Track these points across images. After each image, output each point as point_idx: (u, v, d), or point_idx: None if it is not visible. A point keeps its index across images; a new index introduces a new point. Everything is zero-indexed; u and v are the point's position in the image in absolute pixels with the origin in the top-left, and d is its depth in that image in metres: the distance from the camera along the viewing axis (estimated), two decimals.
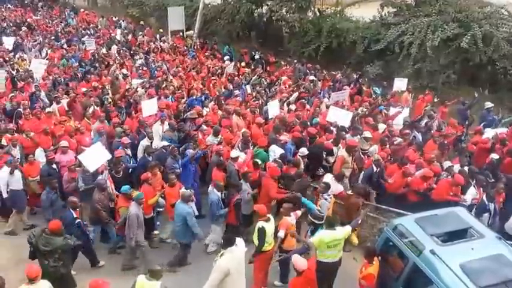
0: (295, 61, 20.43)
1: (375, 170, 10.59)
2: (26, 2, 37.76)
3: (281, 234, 8.28)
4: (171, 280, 8.22)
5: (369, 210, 9.94)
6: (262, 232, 8.19)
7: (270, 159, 11.00)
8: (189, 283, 8.80)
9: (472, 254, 6.73)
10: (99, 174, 10.00)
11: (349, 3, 23.13)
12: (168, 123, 12.24)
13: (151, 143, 11.53)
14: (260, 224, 8.27)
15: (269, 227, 8.28)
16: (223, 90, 15.98)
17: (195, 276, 8.99)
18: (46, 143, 11.48)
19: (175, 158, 10.72)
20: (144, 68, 18.58)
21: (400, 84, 15.96)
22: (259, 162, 10.61)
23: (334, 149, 11.46)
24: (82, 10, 32.19)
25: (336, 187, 10.15)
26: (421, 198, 10.11)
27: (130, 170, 10.96)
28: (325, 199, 9.36)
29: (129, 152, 11.12)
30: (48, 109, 13.27)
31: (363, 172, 10.93)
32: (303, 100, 14.72)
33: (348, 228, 8.16)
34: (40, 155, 11.09)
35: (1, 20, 29.41)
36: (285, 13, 22.22)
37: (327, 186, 9.60)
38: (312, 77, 17.35)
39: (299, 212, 8.93)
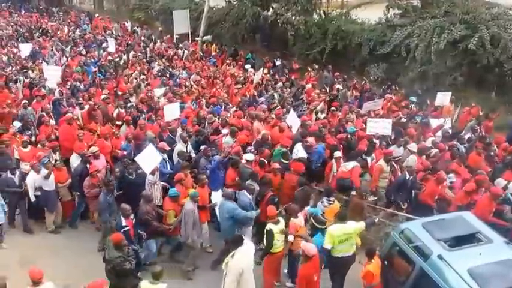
0: (318, 67, 19.92)
1: (407, 177, 10.29)
2: (41, 7, 37.49)
3: (290, 238, 8.32)
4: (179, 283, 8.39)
5: (384, 212, 9.87)
6: (270, 234, 8.23)
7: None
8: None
9: (480, 259, 6.64)
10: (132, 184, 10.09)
11: (354, 5, 23.02)
12: (186, 129, 12.22)
13: (187, 147, 11.46)
14: (268, 226, 8.32)
15: (277, 228, 8.29)
16: (247, 97, 15.79)
17: (202, 279, 9.21)
18: (80, 148, 11.37)
19: (208, 159, 10.77)
20: (167, 75, 18.36)
21: (443, 98, 15.15)
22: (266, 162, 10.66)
23: (368, 159, 11.28)
24: (96, 16, 31.61)
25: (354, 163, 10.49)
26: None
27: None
28: (322, 202, 9.26)
29: (165, 156, 11.05)
30: (69, 114, 13.12)
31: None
32: (333, 108, 14.42)
33: (361, 224, 8.28)
34: (75, 161, 11.11)
35: (17, 26, 29.12)
36: (290, 16, 22.12)
37: (328, 191, 9.53)
38: (339, 86, 16.98)
39: (307, 208, 8.92)
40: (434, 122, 13.63)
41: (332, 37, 21.01)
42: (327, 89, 17.42)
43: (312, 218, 8.48)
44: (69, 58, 20.98)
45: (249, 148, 11.31)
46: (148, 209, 9.07)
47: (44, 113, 13.25)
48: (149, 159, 10.05)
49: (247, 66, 20.33)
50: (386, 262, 7.76)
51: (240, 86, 16.99)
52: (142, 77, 17.39)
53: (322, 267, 8.01)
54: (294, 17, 22.08)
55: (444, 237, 7.17)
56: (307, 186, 10.17)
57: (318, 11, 23.11)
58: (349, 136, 12.13)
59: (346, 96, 16.44)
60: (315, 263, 7.37)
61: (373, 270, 7.42)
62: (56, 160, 10.99)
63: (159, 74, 18.52)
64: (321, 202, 9.25)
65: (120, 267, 7.68)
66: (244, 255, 7.42)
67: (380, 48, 19.26)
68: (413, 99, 15.90)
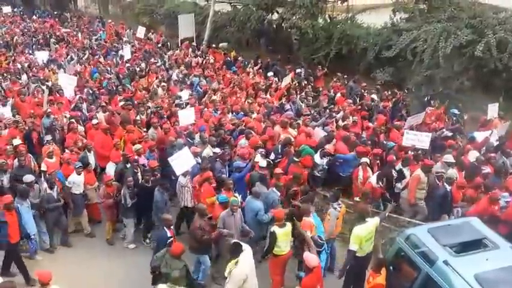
0: (345, 77, 19.21)
1: (448, 189, 9.99)
2: (55, 12, 36.80)
3: (308, 234, 8.30)
4: None
5: (393, 207, 9.75)
6: (273, 236, 8.29)
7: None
8: None
9: (487, 265, 6.53)
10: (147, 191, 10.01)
11: (360, 9, 22.98)
12: (200, 136, 12.18)
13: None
14: (273, 228, 8.37)
15: (282, 232, 8.32)
16: (273, 104, 15.52)
17: None
18: (117, 157, 11.33)
19: (224, 163, 10.87)
20: (187, 83, 17.95)
21: (493, 110, 14.54)
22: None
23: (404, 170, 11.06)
24: (109, 21, 30.81)
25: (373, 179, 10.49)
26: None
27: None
28: (335, 208, 9.15)
29: (199, 160, 11.03)
30: (94, 121, 13.08)
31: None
32: (355, 118, 13.97)
33: (377, 219, 8.37)
34: (112, 169, 11.07)
35: (31, 33, 28.49)
36: (296, 20, 22.04)
37: (336, 196, 9.40)
38: (374, 96, 16.48)
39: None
40: (479, 136, 13.08)
41: (337, 41, 20.95)
42: (356, 99, 16.73)
43: None
44: (82, 66, 20.52)
45: (270, 156, 11.39)
46: (203, 224, 8.75)
47: (73, 120, 13.03)
48: (183, 161, 10.08)
49: (270, 74, 19.45)
50: (391, 268, 7.66)
51: (265, 96, 16.35)
52: (163, 84, 17.09)
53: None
54: (299, 21, 21.97)
55: (450, 242, 7.08)
56: (311, 193, 9.98)
57: (323, 15, 23.02)
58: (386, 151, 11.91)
59: (379, 107, 15.87)
60: (317, 274, 7.32)
61: (383, 282, 7.35)
62: (88, 163, 10.96)
63: (178, 81, 18.11)
64: (334, 208, 9.14)
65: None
66: (246, 260, 7.44)
67: (385, 52, 19.08)
68: (455, 111, 15.23)
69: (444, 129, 13.83)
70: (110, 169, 11.19)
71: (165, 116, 13.96)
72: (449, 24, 17.73)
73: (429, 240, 7.20)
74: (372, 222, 8.25)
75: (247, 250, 7.61)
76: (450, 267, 6.51)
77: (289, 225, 8.48)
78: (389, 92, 17.12)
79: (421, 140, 11.99)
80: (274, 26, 23.13)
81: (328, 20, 22.87)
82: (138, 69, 19.46)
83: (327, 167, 11.61)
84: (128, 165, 10.78)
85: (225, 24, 25.14)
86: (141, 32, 26.13)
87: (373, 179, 10.51)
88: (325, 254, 8.55)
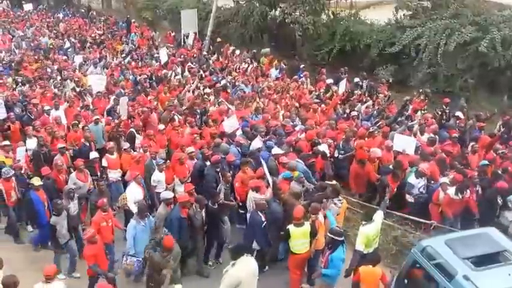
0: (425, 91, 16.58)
1: None
2: (82, 10, 34.90)
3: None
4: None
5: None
6: (286, 233, 8.43)
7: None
8: None
9: (509, 280, 6.41)
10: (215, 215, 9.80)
11: (363, 6, 22.91)
12: (243, 132, 12.40)
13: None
14: (289, 226, 8.44)
15: (298, 231, 8.36)
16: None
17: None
18: (183, 172, 10.89)
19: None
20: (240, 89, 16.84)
21: None
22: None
23: None
24: (133, 21, 29.04)
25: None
26: None
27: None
28: (335, 204, 9.25)
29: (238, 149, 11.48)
30: (161, 126, 12.75)
31: None
32: (455, 135, 12.64)
33: (380, 213, 8.68)
34: (178, 185, 10.75)
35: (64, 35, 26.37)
36: (298, 15, 21.98)
37: (336, 191, 9.46)
38: (458, 113, 14.32)
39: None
40: None
41: (340, 38, 20.95)
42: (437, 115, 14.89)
43: (328, 232, 8.23)
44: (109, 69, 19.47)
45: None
46: None
47: (133, 130, 12.67)
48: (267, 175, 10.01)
49: (329, 81, 17.57)
50: (406, 281, 7.53)
51: (317, 100, 15.42)
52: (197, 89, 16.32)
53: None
54: (302, 17, 21.89)
55: (469, 255, 6.85)
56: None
57: (326, 11, 22.88)
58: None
59: (475, 126, 13.64)
60: None
61: (364, 273, 7.49)
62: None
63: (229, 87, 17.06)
64: (334, 204, 9.23)
65: None
66: (245, 266, 7.30)
67: (389, 49, 19.13)
68: None
69: None
70: (177, 184, 10.80)
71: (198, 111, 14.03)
72: (453, 21, 17.74)
73: (447, 252, 6.94)
74: (378, 219, 8.43)
75: (250, 260, 7.48)
76: (471, 282, 6.33)
77: (307, 224, 8.41)
78: (488, 113, 14.63)
79: None
80: (278, 21, 23.00)
81: (331, 17, 22.75)
82: (173, 73, 18.56)
83: (425, 193, 10.40)
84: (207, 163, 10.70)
85: (228, 20, 24.95)
86: (191, 37, 24.57)
87: (451, 190, 9.73)
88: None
